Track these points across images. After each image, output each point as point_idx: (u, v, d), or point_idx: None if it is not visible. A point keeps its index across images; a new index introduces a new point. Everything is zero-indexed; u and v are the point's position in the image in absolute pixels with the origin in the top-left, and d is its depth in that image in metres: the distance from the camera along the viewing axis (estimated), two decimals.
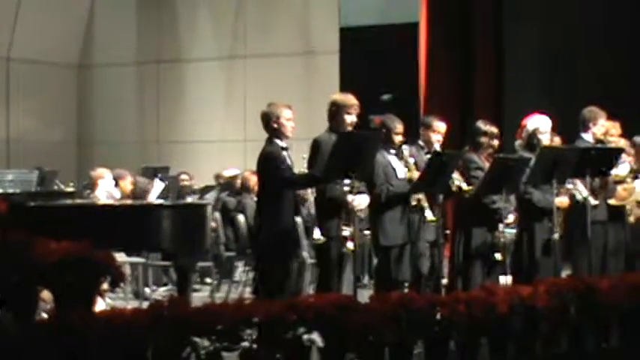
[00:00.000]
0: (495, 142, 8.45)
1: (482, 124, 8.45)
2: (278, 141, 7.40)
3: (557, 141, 8.86)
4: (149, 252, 9.83)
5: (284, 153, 7.39)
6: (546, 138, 8.54)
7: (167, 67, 17.52)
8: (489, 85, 15.25)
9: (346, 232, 7.33)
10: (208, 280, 11.55)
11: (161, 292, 10.67)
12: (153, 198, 11.07)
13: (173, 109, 17.40)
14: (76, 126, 18.04)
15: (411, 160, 7.92)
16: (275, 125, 7.39)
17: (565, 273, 8.48)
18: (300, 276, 9.77)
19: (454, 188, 7.99)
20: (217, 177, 13.46)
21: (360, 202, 7.58)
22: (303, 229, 9.55)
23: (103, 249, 5.72)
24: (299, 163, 7.88)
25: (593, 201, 8.39)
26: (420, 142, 8.23)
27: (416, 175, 7.78)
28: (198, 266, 9.71)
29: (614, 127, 9.19)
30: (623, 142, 9.18)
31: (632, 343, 6.98)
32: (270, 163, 7.36)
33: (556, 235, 8.17)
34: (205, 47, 17.21)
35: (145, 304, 6.65)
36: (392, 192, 7.81)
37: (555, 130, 8.79)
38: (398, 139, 7.97)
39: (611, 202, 9.04)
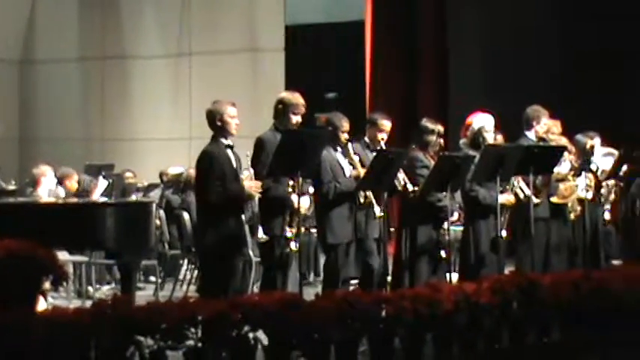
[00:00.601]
0: (441, 141, 8.50)
1: (428, 123, 8.48)
2: (222, 139, 7.38)
3: (499, 139, 8.95)
4: (92, 250, 9.75)
5: (227, 151, 7.37)
6: (490, 136, 8.61)
7: (112, 63, 17.36)
8: (434, 84, 15.37)
9: (289, 233, 7.34)
10: (152, 278, 11.46)
11: (104, 291, 10.59)
12: (97, 196, 10.97)
13: (118, 106, 17.26)
14: (18, 123, 17.79)
15: (356, 158, 7.94)
16: (219, 123, 7.38)
17: (508, 269, 8.54)
18: (245, 274, 9.76)
19: (400, 187, 8.03)
20: (162, 175, 13.38)
21: (302, 203, 7.59)
22: (248, 228, 9.54)
23: (46, 248, 5.66)
24: (243, 161, 7.85)
25: (535, 199, 8.48)
26: (366, 140, 8.25)
27: (362, 172, 7.80)
28: (142, 264, 9.64)
29: (555, 126, 9.29)
30: (564, 141, 9.29)
31: (573, 337, 7.07)
32: (202, 170, 7.35)
33: (503, 232, 8.26)
34: (150, 44, 17.10)
35: (89, 304, 6.59)
36: (339, 189, 7.82)
37: (498, 128, 8.87)
38: (344, 137, 7.98)
39: (553, 199, 9.14)
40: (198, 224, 7.72)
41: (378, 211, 7.74)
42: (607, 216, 10.37)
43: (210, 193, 7.24)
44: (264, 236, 7.41)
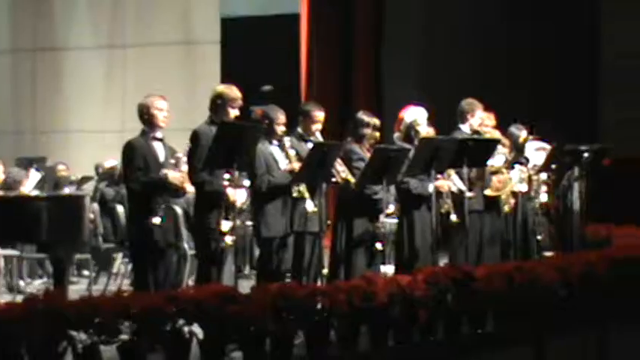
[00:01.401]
0: (377, 134, 8.52)
1: (364, 116, 8.50)
2: (151, 132, 7.41)
3: (431, 132, 9.00)
4: (24, 244, 9.63)
5: (154, 143, 7.39)
6: (423, 129, 8.66)
7: (44, 55, 17.14)
8: (369, 77, 15.44)
9: (225, 226, 7.31)
10: (86, 272, 11.37)
11: (36, 286, 10.47)
12: (29, 189, 10.84)
13: (50, 98, 17.05)
14: None
15: (292, 152, 7.91)
16: (147, 116, 7.47)
17: (442, 262, 8.61)
18: (180, 268, 9.71)
19: (340, 180, 8.01)
20: (97, 167, 13.27)
21: (238, 196, 7.58)
22: (183, 220, 9.49)
23: None
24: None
25: (468, 193, 8.55)
26: (299, 131, 8.18)
27: (297, 166, 7.78)
28: (75, 258, 9.56)
29: (489, 118, 9.37)
30: (497, 134, 9.38)
31: (506, 328, 7.16)
32: (125, 160, 7.44)
33: (453, 217, 8.33)
34: (84, 35, 16.91)
35: (20, 298, 6.50)
36: (273, 183, 7.79)
37: (431, 121, 8.92)
38: (280, 129, 7.93)
39: (487, 192, 9.22)
40: (129, 216, 7.72)
41: (311, 206, 7.70)
42: (538, 208, 10.51)
43: (131, 181, 7.38)
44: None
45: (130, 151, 7.43)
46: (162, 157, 7.50)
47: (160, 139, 7.44)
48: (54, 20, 17.10)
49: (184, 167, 7.91)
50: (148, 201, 7.34)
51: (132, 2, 16.59)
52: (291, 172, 7.77)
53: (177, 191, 7.59)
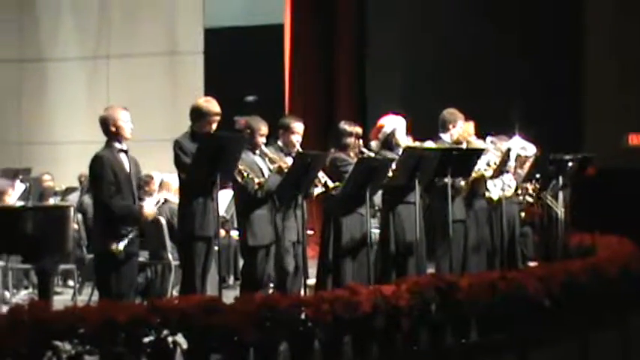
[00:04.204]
0: (360, 142, 8.53)
1: (346, 125, 8.52)
2: (117, 144, 7.42)
3: (410, 141, 9.00)
4: (9, 255, 9.62)
5: (121, 155, 7.40)
6: (403, 139, 8.69)
7: (29, 66, 17.14)
8: (352, 87, 15.49)
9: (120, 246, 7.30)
10: (71, 282, 11.36)
11: (21, 296, 10.45)
12: (13, 200, 10.83)
13: (35, 109, 17.05)
14: None
15: (274, 155, 7.92)
16: (113, 128, 7.42)
17: (429, 271, 8.63)
18: (165, 278, 9.72)
19: (320, 185, 8.02)
20: (80, 178, 13.25)
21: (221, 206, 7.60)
22: (166, 231, 9.50)
23: None
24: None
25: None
26: (280, 144, 8.21)
27: (283, 164, 7.78)
28: (60, 269, 9.54)
29: (469, 127, 9.39)
30: (481, 143, 9.40)
31: (489, 336, 7.19)
32: (94, 170, 7.38)
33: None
34: (68, 47, 16.93)
35: (5, 309, 6.50)
36: (267, 187, 7.78)
37: (409, 130, 8.94)
38: (262, 140, 7.97)
39: (488, 194, 9.30)
40: (94, 224, 7.69)
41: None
42: (523, 218, 10.56)
43: (106, 197, 7.28)
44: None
45: (99, 165, 7.34)
46: (127, 169, 7.49)
47: (125, 151, 7.46)
48: (39, 32, 17.11)
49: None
50: (116, 220, 7.31)
51: (116, 13, 16.61)
52: (280, 171, 7.76)
53: (141, 222, 7.59)
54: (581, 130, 14.11)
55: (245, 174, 7.58)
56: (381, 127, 8.73)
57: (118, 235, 7.24)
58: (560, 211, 10.17)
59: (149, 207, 7.53)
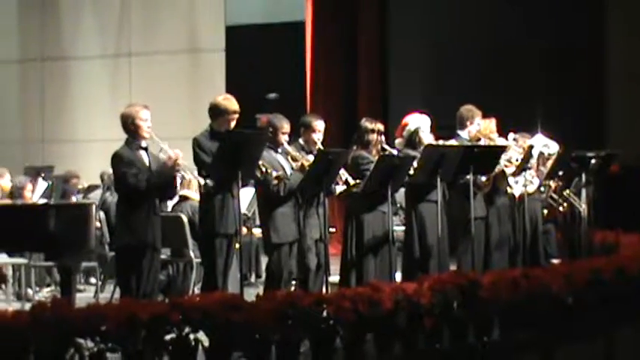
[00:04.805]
0: (382, 138, 8.51)
1: (367, 122, 8.50)
2: (136, 141, 7.43)
3: (432, 139, 8.98)
4: (32, 252, 9.65)
5: (140, 152, 7.40)
6: (427, 136, 8.67)
7: (51, 65, 17.21)
8: (374, 84, 15.45)
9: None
10: (93, 280, 11.39)
11: (44, 294, 10.49)
12: (36, 197, 10.87)
13: (57, 107, 17.11)
14: None
15: (296, 154, 7.91)
16: (132, 126, 7.43)
17: (452, 269, 8.60)
18: (187, 275, 9.73)
19: (341, 183, 8.01)
20: (102, 175, 13.27)
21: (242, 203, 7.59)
22: (188, 228, 9.50)
23: None
24: (185, 160, 7.81)
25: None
26: (301, 142, 8.21)
27: (305, 162, 7.77)
28: (82, 266, 9.56)
29: (491, 124, 9.34)
30: (504, 141, 9.36)
31: (512, 335, 7.16)
32: (116, 167, 7.41)
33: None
34: (90, 45, 16.98)
35: (28, 306, 6.53)
36: (290, 185, 7.78)
37: (433, 128, 8.92)
38: (284, 138, 7.96)
39: (510, 190, 9.28)
40: (117, 218, 7.70)
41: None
42: (546, 215, 10.51)
43: (132, 182, 7.27)
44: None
45: (118, 161, 7.38)
46: (147, 166, 7.48)
47: (145, 148, 7.46)
48: (61, 30, 17.17)
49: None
50: (140, 202, 7.31)
51: (138, 11, 16.65)
52: (302, 168, 7.76)
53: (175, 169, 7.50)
54: (605, 126, 14.04)
55: (264, 168, 7.57)
56: (405, 125, 8.72)
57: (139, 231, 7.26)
58: (583, 208, 10.12)
59: (169, 153, 7.41)
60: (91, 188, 13.12)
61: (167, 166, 7.29)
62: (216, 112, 7.64)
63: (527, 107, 12.94)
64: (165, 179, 7.35)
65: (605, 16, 14.13)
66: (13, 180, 11.14)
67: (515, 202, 9.55)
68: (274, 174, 7.58)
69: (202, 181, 7.33)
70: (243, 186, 7.51)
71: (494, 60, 14.25)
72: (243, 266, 7.82)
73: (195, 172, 7.44)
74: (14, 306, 9.07)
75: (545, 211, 10.47)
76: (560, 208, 10.59)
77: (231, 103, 7.66)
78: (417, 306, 6.55)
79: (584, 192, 10.18)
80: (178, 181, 7.66)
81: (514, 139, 9.68)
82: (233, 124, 7.63)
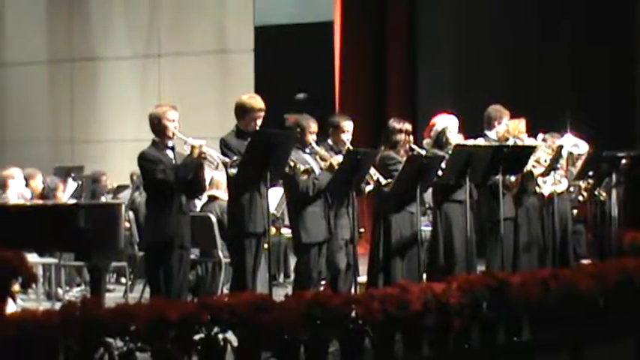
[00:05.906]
0: (411, 138, 8.50)
1: (395, 123, 8.50)
2: (163, 141, 7.46)
3: (461, 139, 8.96)
4: (62, 252, 9.71)
5: (167, 151, 7.42)
6: (454, 137, 8.65)
7: (80, 65, 17.30)
8: (403, 84, 15.42)
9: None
10: (122, 280, 11.44)
11: (74, 293, 10.54)
12: (66, 198, 10.92)
13: (87, 107, 17.19)
14: None
15: (325, 153, 7.91)
16: (159, 127, 7.46)
17: (479, 270, 8.58)
18: (215, 276, 9.75)
19: (372, 182, 8.01)
20: (132, 176, 13.32)
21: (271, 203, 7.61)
22: (216, 228, 9.52)
23: (15, 250, 5.64)
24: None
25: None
26: (330, 142, 8.19)
27: (334, 162, 7.77)
28: (111, 266, 9.61)
29: (521, 124, 9.31)
30: (533, 141, 9.32)
31: (542, 335, 7.12)
32: (143, 166, 7.45)
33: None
34: (119, 45, 17.05)
35: (58, 306, 6.56)
36: (319, 185, 7.78)
37: (462, 128, 8.90)
38: (312, 138, 7.96)
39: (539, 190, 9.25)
40: (146, 217, 7.75)
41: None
42: (576, 215, 10.46)
43: (160, 179, 7.30)
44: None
45: (144, 160, 7.43)
46: (174, 163, 7.52)
47: (172, 148, 7.50)
48: (90, 31, 17.25)
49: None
50: (168, 201, 7.33)
51: (167, 12, 16.70)
52: (330, 168, 7.75)
53: (201, 180, 7.53)
54: (636, 126, 13.93)
55: (292, 163, 7.57)
56: (433, 125, 8.72)
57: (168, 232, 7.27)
58: (613, 208, 10.06)
59: (193, 142, 7.43)
60: (120, 188, 13.18)
61: (193, 155, 7.31)
62: (242, 110, 7.65)
63: (556, 107, 12.87)
64: (192, 170, 7.36)
65: (635, 14, 14.02)
66: (45, 181, 11.21)
67: (544, 203, 9.52)
68: (301, 168, 7.57)
69: (230, 171, 7.34)
70: (271, 186, 7.52)
71: (524, 60, 14.17)
72: (272, 266, 7.83)
73: (222, 156, 7.43)
74: (44, 305, 9.12)
75: (575, 212, 10.42)
76: (590, 208, 10.54)
77: (257, 101, 7.67)
78: (445, 306, 6.53)
79: (614, 192, 10.12)
80: (207, 179, 7.67)
81: (543, 139, 9.64)
82: (259, 122, 7.64)
